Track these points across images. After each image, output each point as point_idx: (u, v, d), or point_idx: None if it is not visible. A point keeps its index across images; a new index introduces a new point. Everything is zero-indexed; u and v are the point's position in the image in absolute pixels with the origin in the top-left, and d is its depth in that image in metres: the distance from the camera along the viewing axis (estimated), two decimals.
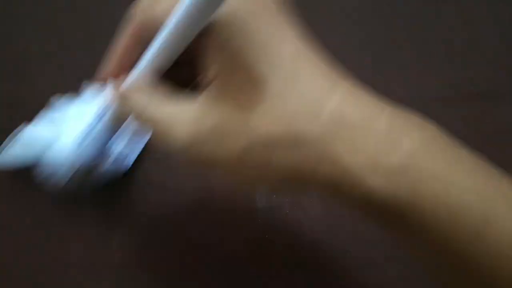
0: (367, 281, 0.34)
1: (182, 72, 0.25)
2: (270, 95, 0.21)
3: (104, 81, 0.26)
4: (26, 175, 0.35)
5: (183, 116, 0.22)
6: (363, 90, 0.22)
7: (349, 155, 0.20)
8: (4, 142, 0.34)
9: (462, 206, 0.19)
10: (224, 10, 0.21)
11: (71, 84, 0.38)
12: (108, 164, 0.34)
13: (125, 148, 0.35)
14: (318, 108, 0.21)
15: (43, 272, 0.34)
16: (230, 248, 0.35)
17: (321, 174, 0.20)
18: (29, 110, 0.37)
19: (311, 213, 0.36)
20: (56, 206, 0.36)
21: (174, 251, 0.35)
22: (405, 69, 0.44)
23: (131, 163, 0.36)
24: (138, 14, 0.24)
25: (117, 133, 0.31)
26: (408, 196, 0.20)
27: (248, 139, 0.21)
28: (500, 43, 0.46)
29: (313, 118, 0.20)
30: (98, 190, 0.35)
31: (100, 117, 0.30)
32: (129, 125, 0.29)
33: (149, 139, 0.35)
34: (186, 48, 0.22)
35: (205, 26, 0.21)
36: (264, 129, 0.21)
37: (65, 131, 0.33)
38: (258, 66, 0.21)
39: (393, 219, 0.20)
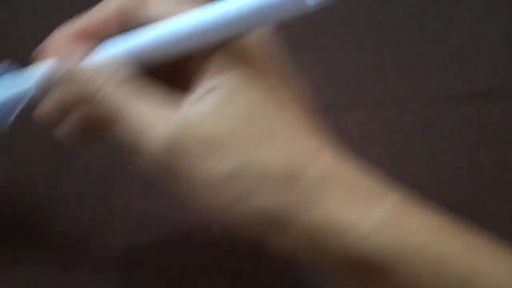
0: None
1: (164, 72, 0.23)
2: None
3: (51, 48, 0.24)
4: None
5: (166, 118, 0.20)
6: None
7: (338, 207, 0.20)
8: None
9: (444, 260, 0.20)
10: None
11: None
12: None
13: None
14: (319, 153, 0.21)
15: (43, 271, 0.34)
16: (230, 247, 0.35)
17: (305, 220, 0.19)
18: None
19: None
20: None
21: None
22: (405, 69, 0.44)
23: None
24: None
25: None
26: (391, 249, 0.19)
27: (241, 162, 0.19)
28: (500, 43, 0.46)
29: (314, 159, 0.20)
30: None
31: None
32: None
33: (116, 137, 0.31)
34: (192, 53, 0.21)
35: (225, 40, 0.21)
36: (264, 157, 0.19)
37: None
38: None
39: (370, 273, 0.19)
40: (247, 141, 0.19)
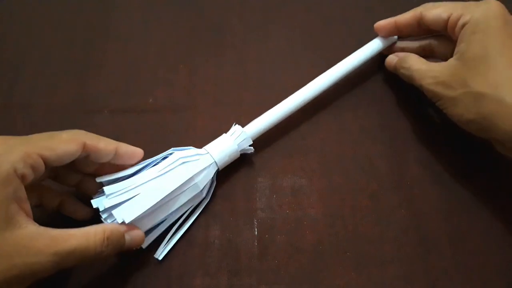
0: (368, 281, 0.34)
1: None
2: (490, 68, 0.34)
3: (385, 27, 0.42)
4: None
5: (434, 67, 0.37)
6: None
7: None
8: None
9: None
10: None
11: None
12: None
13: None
14: None
15: None
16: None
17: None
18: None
19: (311, 213, 0.36)
20: None
21: None
22: None
23: None
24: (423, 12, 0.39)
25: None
26: None
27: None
28: None
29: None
30: None
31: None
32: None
33: None
34: None
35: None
36: (476, 85, 0.34)
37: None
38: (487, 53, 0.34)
39: None
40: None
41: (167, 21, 0.48)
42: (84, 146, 0.30)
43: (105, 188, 0.32)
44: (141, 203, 0.31)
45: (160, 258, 0.34)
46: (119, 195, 0.32)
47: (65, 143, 0.30)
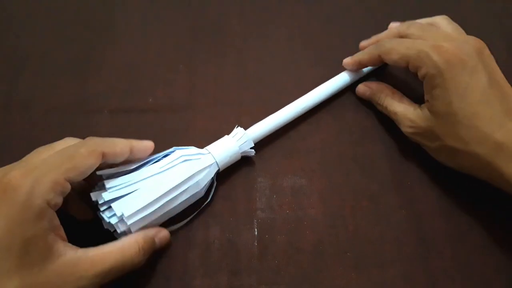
0: (368, 281, 0.34)
1: None
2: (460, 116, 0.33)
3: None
4: None
5: (410, 112, 0.37)
6: None
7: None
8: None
9: None
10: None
11: None
12: None
13: None
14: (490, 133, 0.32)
15: None
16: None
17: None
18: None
19: (311, 213, 0.36)
20: None
21: None
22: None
23: None
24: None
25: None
26: None
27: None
28: (500, 42, 0.46)
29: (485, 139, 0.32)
30: None
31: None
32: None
33: None
34: None
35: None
36: (448, 141, 0.34)
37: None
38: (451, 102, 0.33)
39: None
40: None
41: (167, 21, 0.48)
42: (103, 156, 0.30)
43: (106, 182, 0.32)
44: (141, 197, 0.31)
45: None
46: (119, 189, 0.32)
47: (86, 159, 0.29)
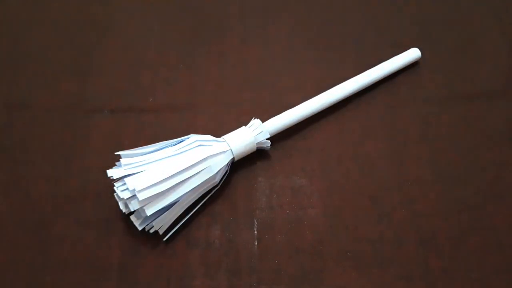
0: (367, 281, 0.34)
1: None
2: None
3: None
4: None
5: None
6: None
7: None
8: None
9: None
10: None
11: None
12: None
13: None
14: None
15: (43, 271, 0.34)
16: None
17: None
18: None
19: (311, 213, 0.36)
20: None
21: None
22: (406, 69, 0.44)
23: None
24: None
25: None
26: None
27: None
28: (500, 43, 0.46)
29: None
30: None
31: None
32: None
33: None
34: None
35: None
36: None
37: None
38: None
39: None
40: None
41: (167, 21, 0.48)
42: None
43: (122, 160, 0.34)
44: (153, 175, 0.32)
45: (165, 239, 0.34)
46: (134, 167, 0.33)
47: None
